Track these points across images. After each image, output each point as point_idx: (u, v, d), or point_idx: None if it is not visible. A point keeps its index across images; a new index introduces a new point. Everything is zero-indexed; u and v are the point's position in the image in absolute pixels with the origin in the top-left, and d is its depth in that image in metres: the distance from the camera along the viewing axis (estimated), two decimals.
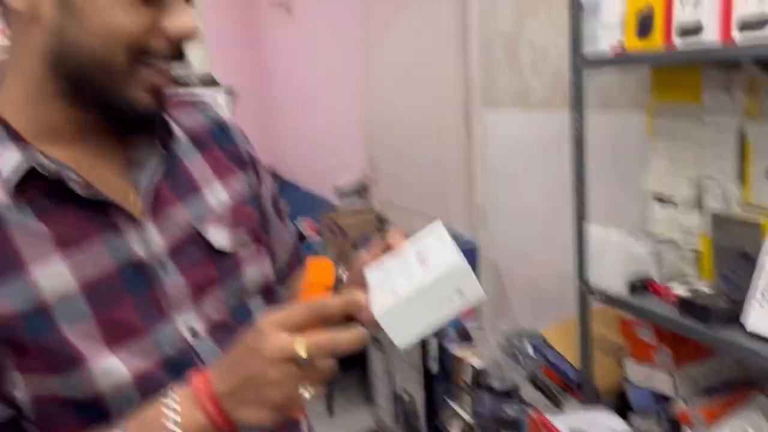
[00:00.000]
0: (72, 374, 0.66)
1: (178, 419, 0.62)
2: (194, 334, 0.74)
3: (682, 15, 1.18)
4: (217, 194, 0.81)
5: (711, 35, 1.13)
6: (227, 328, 0.76)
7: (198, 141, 0.83)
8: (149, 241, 0.72)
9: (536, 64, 2.17)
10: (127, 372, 0.68)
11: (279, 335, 0.61)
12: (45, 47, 0.67)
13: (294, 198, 3.42)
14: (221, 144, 0.86)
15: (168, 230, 0.74)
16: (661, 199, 1.49)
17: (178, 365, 0.71)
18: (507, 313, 2.41)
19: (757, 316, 1.12)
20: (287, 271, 0.96)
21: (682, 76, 1.41)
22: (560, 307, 2.13)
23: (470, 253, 2.47)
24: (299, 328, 0.62)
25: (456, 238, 0.86)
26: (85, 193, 0.69)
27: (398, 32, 2.91)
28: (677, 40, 1.20)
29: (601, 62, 1.36)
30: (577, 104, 1.49)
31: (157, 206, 0.75)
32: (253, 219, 0.85)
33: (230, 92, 1.90)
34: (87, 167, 0.70)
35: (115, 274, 0.69)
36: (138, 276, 0.71)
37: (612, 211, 1.84)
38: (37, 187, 0.67)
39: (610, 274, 1.43)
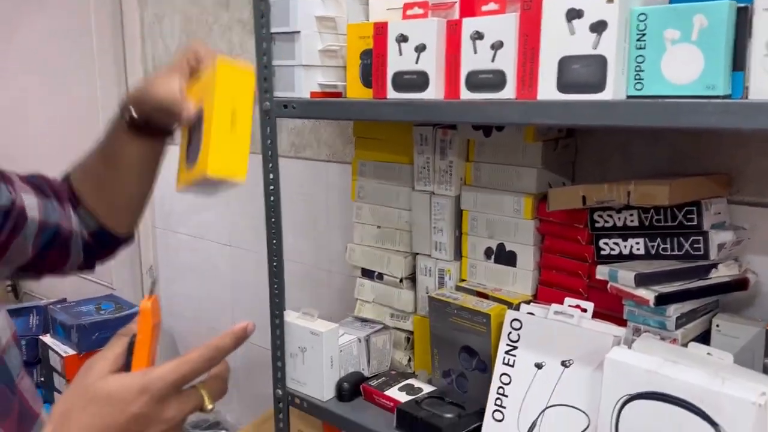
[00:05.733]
0: None
1: None
2: None
3: (399, 63, 0.93)
4: None
5: (434, 91, 0.90)
6: None
7: None
8: None
9: None
10: None
11: (176, 400, 0.55)
12: None
13: None
14: None
15: None
16: (369, 276, 1.24)
17: None
18: None
19: None
20: None
21: (392, 131, 1.18)
22: (252, 395, 1.80)
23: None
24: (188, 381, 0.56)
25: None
26: None
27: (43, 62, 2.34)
28: (392, 93, 0.95)
29: (299, 110, 1.06)
30: (270, 154, 1.17)
31: None
32: None
33: None
34: None
35: None
36: None
37: (314, 289, 1.57)
38: None
39: (314, 373, 1.14)
